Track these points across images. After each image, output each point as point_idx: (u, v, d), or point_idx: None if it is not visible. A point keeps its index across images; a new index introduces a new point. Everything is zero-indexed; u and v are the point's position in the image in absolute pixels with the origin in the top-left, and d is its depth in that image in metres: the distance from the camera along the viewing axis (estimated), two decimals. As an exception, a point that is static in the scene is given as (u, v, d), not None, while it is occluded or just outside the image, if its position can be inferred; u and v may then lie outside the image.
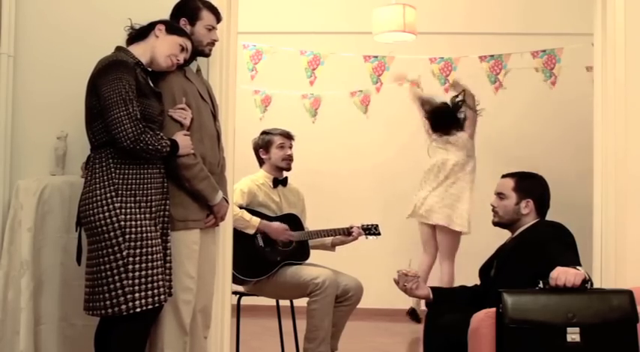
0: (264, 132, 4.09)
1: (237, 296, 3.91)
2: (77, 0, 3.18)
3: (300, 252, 3.92)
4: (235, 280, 3.64)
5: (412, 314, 5.54)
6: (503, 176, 3.12)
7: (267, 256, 3.83)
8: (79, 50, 3.08)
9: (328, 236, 4.04)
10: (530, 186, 3.03)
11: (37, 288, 2.90)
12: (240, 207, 3.83)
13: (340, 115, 5.77)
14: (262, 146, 4.05)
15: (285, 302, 4.13)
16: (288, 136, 4.05)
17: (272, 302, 4.19)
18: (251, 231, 3.78)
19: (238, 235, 3.66)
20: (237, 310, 3.90)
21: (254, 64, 5.18)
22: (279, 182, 4.04)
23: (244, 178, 3.99)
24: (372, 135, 5.99)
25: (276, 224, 3.87)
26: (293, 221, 3.96)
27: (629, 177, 3.21)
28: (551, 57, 5.04)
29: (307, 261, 3.96)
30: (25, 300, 2.84)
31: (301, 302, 3.88)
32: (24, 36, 3.16)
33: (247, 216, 3.79)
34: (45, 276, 2.92)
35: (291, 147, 4.05)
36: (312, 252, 4.03)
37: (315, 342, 3.69)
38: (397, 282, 3.08)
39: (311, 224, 4.15)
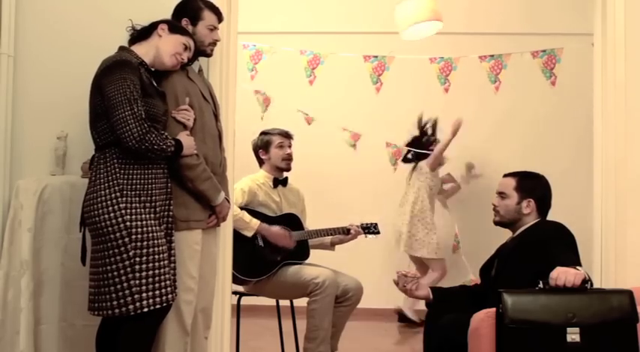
0: (262, 133, 4.09)
1: (237, 296, 3.91)
2: (78, 0, 3.18)
3: (300, 252, 3.92)
4: (235, 280, 3.64)
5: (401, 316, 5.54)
6: (505, 175, 3.11)
7: (267, 256, 3.83)
8: (80, 50, 3.08)
9: (327, 235, 4.04)
10: (532, 186, 3.03)
11: (37, 288, 2.90)
12: (241, 207, 3.83)
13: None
14: (261, 146, 4.04)
15: (285, 302, 4.13)
16: (286, 136, 4.05)
17: (272, 302, 4.19)
18: (249, 234, 3.76)
19: (238, 235, 3.66)
20: (237, 310, 3.90)
21: (254, 64, 5.18)
22: (280, 182, 4.03)
23: (245, 178, 3.99)
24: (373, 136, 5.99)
25: (277, 228, 3.85)
26: (293, 221, 3.96)
27: (629, 177, 3.21)
28: (551, 57, 5.03)
29: (307, 261, 3.96)
30: (25, 300, 2.84)
31: (301, 302, 3.88)
32: (24, 36, 3.15)
33: (247, 217, 3.78)
34: (45, 276, 2.92)
35: (290, 147, 4.05)
36: (312, 251, 4.03)
37: (315, 342, 3.69)
38: (397, 283, 3.08)
39: (311, 224, 4.15)
